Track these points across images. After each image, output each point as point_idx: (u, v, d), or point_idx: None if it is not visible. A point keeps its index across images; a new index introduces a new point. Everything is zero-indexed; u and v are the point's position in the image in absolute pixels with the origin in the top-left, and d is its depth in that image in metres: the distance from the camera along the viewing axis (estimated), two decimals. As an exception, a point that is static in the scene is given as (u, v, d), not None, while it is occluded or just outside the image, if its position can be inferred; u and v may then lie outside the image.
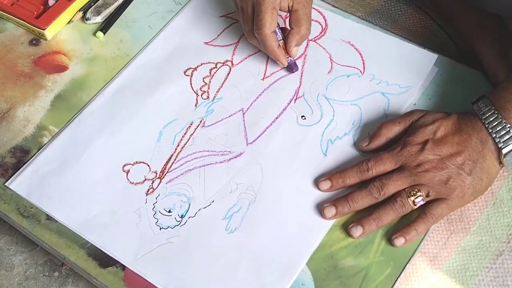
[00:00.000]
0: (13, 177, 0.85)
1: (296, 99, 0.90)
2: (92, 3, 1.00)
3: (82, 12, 1.00)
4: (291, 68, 0.91)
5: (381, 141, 0.82)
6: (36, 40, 0.98)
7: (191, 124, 0.88)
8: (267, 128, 0.87)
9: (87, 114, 0.90)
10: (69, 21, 1.00)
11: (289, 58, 0.90)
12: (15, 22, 1.00)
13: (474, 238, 0.78)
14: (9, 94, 0.93)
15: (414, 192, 0.76)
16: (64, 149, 0.87)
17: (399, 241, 0.76)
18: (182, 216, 0.80)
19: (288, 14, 0.89)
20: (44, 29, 0.96)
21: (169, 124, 0.88)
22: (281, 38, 0.89)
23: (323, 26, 0.97)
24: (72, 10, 0.99)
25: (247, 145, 0.86)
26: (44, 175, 0.84)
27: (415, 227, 0.76)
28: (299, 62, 0.93)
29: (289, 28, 0.89)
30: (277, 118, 0.88)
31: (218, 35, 0.96)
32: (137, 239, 0.79)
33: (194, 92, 0.91)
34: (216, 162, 0.84)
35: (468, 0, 0.89)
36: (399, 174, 0.77)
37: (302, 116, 0.88)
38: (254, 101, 0.90)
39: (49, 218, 0.81)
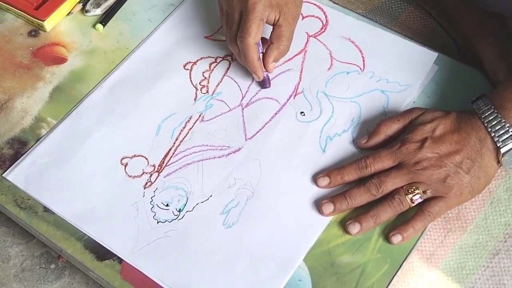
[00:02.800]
0: (10, 168, 0.84)
1: (295, 95, 0.89)
2: (92, -5, 1.00)
3: (81, 4, 1.00)
4: (264, 83, 0.89)
5: (380, 138, 0.83)
6: (35, 31, 0.98)
7: (190, 118, 0.88)
8: (266, 123, 0.87)
9: (86, 107, 0.89)
10: (69, 13, 0.99)
11: (265, 72, 0.88)
12: (14, 13, 0.99)
13: (471, 236, 0.78)
14: (8, 85, 0.92)
15: (412, 189, 0.77)
16: (62, 141, 0.86)
17: (396, 239, 0.76)
18: (179, 210, 0.80)
19: (272, 28, 0.87)
20: (43, 20, 0.96)
21: (168, 118, 0.88)
22: (262, 51, 0.88)
23: (324, 23, 0.96)
24: (71, 2, 0.99)
25: (246, 140, 0.86)
26: (42, 167, 0.84)
27: (413, 224, 0.76)
28: (299, 58, 0.93)
29: (270, 42, 0.87)
30: (276, 114, 0.88)
31: (218, 29, 0.96)
32: (135, 232, 0.79)
33: (194, 86, 0.91)
34: (214, 157, 0.84)
35: (469, -1, 0.89)
36: (397, 172, 0.77)
37: (301, 112, 0.88)
38: (253, 97, 0.90)
39: (46, 210, 0.81)
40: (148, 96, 0.90)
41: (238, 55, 0.87)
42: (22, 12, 0.97)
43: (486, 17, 0.91)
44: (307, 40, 0.95)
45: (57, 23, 0.99)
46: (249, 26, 0.83)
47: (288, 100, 0.89)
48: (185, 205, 0.81)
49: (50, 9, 0.97)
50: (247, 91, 0.90)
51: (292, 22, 0.87)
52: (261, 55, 0.87)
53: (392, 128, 0.82)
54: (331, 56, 0.93)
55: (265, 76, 0.88)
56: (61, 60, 0.95)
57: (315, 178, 0.81)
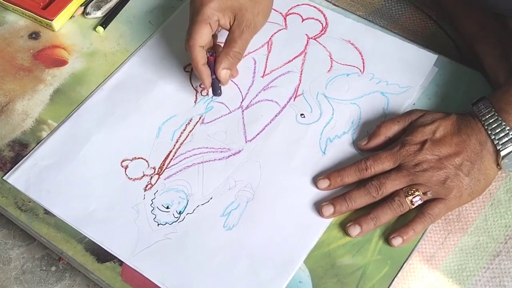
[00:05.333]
0: (11, 170, 0.84)
1: (295, 97, 0.90)
2: (93, -2, 1.00)
3: (82, 6, 1.00)
4: (214, 90, 0.86)
5: (380, 140, 0.83)
6: (36, 34, 0.98)
7: (190, 121, 0.88)
8: (266, 126, 0.87)
9: (86, 109, 0.90)
10: (71, 16, 1.00)
11: (215, 80, 0.85)
12: (21, 13, 0.99)
13: (471, 238, 0.78)
14: (8, 87, 0.93)
15: (412, 191, 0.77)
16: (63, 143, 0.86)
17: (397, 241, 0.76)
18: (180, 213, 0.80)
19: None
20: (52, 20, 0.96)
21: (168, 120, 0.88)
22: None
23: (324, 25, 0.97)
24: (78, 1, 0.99)
25: (246, 142, 0.86)
26: (43, 169, 0.84)
27: (413, 227, 0.76)
28: (299, 60, 0.93)
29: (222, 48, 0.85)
30: (276, 116, 0.88)
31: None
32: (135, 234, 0.79)
33: (194, 88, 0.91)
34: (215, 159, 0.84)
35: (471, 0, 0.89)
36: (397, 173, 0.77)
37: (301, 114, 0.88)
38: (253, 99, 0.90)
39: (47, 212, 0.81)
40: (148, 99, 0.90)
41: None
42: (30, 12, 0.98)
43: (487, 19, 0.91)
44: (307, 42, 0.95)
45: (64, 22, 0.99)
46: (193, 28, 0.82)
47: (288, 102, 0.89)
48: (186, 207, 0.81)
49: (58, 8, 0.97)
50: (247, 93, 0.90)
51: (245, 30, 0.84)
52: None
53: (392, 129, 0.82)
54: (331, 58, 0.93)
55: (215, 84, 0.85)
56: (61, 62, 0.95)
57: (315, 180, 0.81)
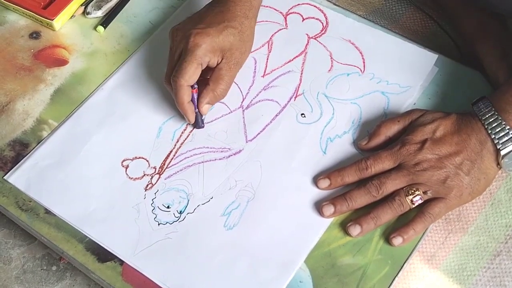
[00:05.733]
0: (12, 170, 0.85)
1: (296, 97, 0.90)
2: (93, -3, 1.00)
3: (83, 6, 1.00)
4: (197, 124, 0.86)
5: (380, 140, 0.83)
6: (36, 33, 0.98)
7: (191, 120, 0.88)
8: (266, 125, 0.87)
9: (87, 109, 0.90)
10: (71, 16, 1.00)
11: (198, 113, 0.85)
12: (21, 13, 0.99)
13: (472, 238, 0.78)
14: (9, 87, 0.93)
15: (412, 191, 0.77)
16: (64, 143, 0.87)
17: (397, 241, 0.76)
18: (180, 212, 0.80)
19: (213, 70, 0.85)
20: (52, 20, 0.96)
21: (168, 120, 0.88)
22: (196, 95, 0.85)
23: (324, 24, 0.97)
24: (79, 1, 0.99)
25: (247, 142, 0.86)
26: (43, 169, 0.84)
27: (413, 226, 0.76)
28: (299, 60, 0.93)
29: (207, 84, 0.84)
30: (276, 115, 0.88)
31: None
32: (136, 234, 0.79)
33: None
34: (215, 159, 0.84)
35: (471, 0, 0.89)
36: (397, 173, 0.77)
37: (302, 114, 0.88)
38: (254, 98, 0.90)
39: (47, 212, 0.81)
40: (149, 98, 0.90)
41: (171, 93, 0.85)
42: (30, 12, 0.98)
43: (487, 19, 0.91)
44: (308, 42, 0.95)
45: (65, 22, 0.99)
46: (184, 67, 0.81)
47: (288, 101, 0.89)
48: (186, 207, 0.81)
49: (58, 8, 0.97)
50: (247, 93, 0.90)
51: (233, 68, 0.85)
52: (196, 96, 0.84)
53: (392, 129, 0.82)
54: (331, 58, 0.93)
55: (198, 117, 0.85)
56: (62, 62, 0.95)
57: (315, 180, 0.81)
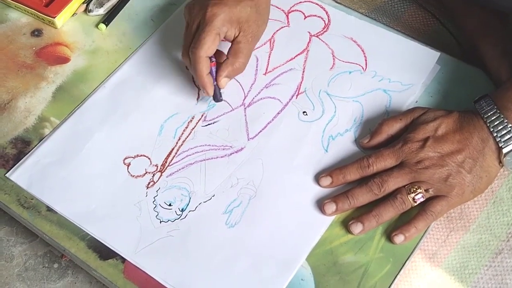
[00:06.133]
0: (13, 168, 0.85)
1: (297, 94, 0.90)
2: (95, -5, 1.00)
3: (85, 4, 1.00)
4: (215, 97, 0.86)
5: (382, 138, 0.83)
6: (38, 31, 0.98)
7: (193, 118, 0.88)
8: (268, 123, 0.87)
9: (89, 106, 0.90)
10: (73, 14, 1.00)
11: (216, 86, 0.85)
12: (23, 11, 0.99)
13: (473, 236, 0.78)
14: (11, 85, 0.93)
15: (414, 189, 0.77)
16: (65, 141, 0.87)
17: (399, 239, 0.76)
18: (182, 210, 0.80)
19: (231, 44, 0.86)
20: (54, 17, 0.96)
21: (170, 117, 0.88)
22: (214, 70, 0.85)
23: (326, 22, 0.96)
24: (80, -1, 1.00)
25: (248, 140, 0.86)
26: (45, 167, 0.84)
27: (415, 224, 0.76)
28: (301, 58, 0.93)
29: (226, 57, 0.85)
30: (278, 113, 0.88)
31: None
32: (137, 232, 0.79)
33: (196, 86, 0.91)
34: (217, 157, 0.84)
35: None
36: (399, 171, 0.77)
37: (304, 112, 0.88)
38: (255, 96, 0.90)
39: (49, 209, 0.81)
40: (150, 96, 0.90)
41: (189, 66, 0.85)
42: (32, 10, 0.98)
43: (489, 16, 0.91)
44: (310, 40, 0.95)
45: (67, 19, 0.99)
46: (203, 38, 0.81)
47: (290, 99, 0.89)
48: (188, 204, 0.81)
49: (60, 5, 0.98)
50: (249, 91, 0.90)
51: (251, 41, 0.85)
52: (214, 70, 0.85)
53: (394, 127, 0.82)
54: (333, 56, 0.93)
55: (216, 90, 0.85)
56: (64, 60, 0.95)
57: (317, 178, 0.81)
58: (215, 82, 0.85)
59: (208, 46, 0.81)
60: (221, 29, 0.82)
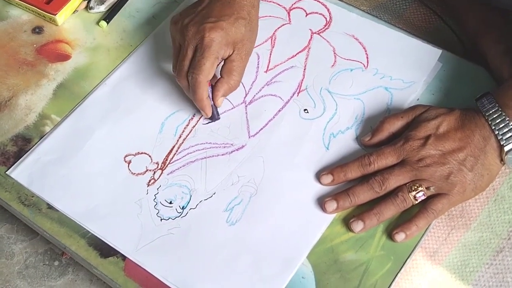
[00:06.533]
0: (14, 165, 0.85)
1: (299, 92, 0.89)
2: (96, -8, 1.00)
3: (86, 1, 1.00)
4: (214, 117, 0.86)
5: (383, 136, 0.82)
6: (39, 28, 0.98)
7: (193, 116, 0.88)
8: (269, 121, 0.87)
9: (89, 104, 0.90)
10: (74, 11, 1.00)
11: (213, 105, 0.85)
12: (24, 8, 0.99)
13: (474, 234, 0.78)
14: (12, 82, 0.93)
15: (416, 187, 0.76)
16: (66, 138, 0.87)
17: (400, 237, 0.76)
18: (183, 208, 0.80)
19: (223, 62, 0.85)
20: (55, 14, 0.96)
21: (171, 115, 0.88)
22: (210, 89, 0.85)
23: (327, 19, 0.96)
24: (82, -5, 1.00)
25: (249, 137, 0.86)
26: (46, 164, 0.84)
27: (416, 222, 0.76)
28: (302, 55, 0.93)
29: (220, 76, 0.85)
30: (279, 111, 0.88)
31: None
32: (138, 229, 0.79)
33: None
34: (218, 154, 0.84)
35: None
36: (400, 169, 0.77)
37: (305, 110, 0.88)
38: (256, 94, 0.90)
39: (50, 207, 0.81)
40: (151, 94, 0.90)
41: (186, 89, 0.85)
42: (33, 7, 0.98)
43: (491, 14, 0.90)
44: (311, 37, 0.95)
45: (68, 17, 0.99)
46: (203, 63, 0.81)
47: (291, 97, 0.89)
48: (189, 202, 0.81)
49: (61, 3, 0.97)
50: (250, 88, 0.90)
51: (244, 58, 0.85)
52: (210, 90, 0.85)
53: (395, 125, 0.82)
54: (334, 53, 0.93)
55: (213, 111, 0.85)
56: (65, 57, 0.95)
57: (318, 176, 0.81)
58: (212, 102, 0.84)
59: (208, 71, 0.81)
60: (219, 52, 0.82)
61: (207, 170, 0.83)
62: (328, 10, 0.97)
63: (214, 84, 0.84)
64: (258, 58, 0.93)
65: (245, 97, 0.89)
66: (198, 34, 0.82)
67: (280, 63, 0.92)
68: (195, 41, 0.82)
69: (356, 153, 0.83)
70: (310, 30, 0.95)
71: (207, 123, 0.87)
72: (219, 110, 0.87)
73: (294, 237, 0.78)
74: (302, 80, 0.90)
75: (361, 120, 0.86)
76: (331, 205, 0.78)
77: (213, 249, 0.77)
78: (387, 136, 0.82)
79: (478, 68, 0.89)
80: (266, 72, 0.91)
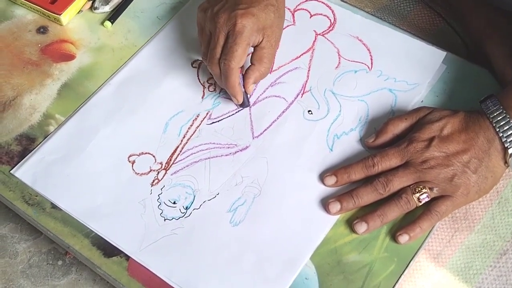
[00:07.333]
0: (18, 165, 0.85)
1: (303, 93, 0.89)
2: (101, -7, 1.00)
3: (90, 1, 1.00)
4: (243, 104, 0.87)
5: (387, 137, 0.82)
6: (44, 28, 0.98)
7: (198, 116, 0.88)
8: (273, 122, 0.87)
9: (94, 104, 0.90)
10: (79, 11, 1.00)
11: (244, 92, 0.86)
12: (29, 7, 1.00)
13: (478, 236, 0.78)
14: (16, 81, 0.93)
15: (419, 188, 0.76)
16: (70, 138, 0.87)
17: (403, 238, 0.76)
18: (186, 208, 0.80)
19: (254, 49, 0.85)
20: (60, 14, 0.97)
21: (175, 115, 0.88)
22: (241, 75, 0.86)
23: (332, 21, 0.96)
24: (87, -5, 1.00)
25: (253, 138, 0.86)
26: (50, 164, 0.84)
27: (420, 224, 0.76)
28: (306, 56, 0.93)
29: (251, 63, 0.85)
30: (283, 112, 0.88)
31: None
32: (142, 229, 0.79)
33: (201, 84, 0.91)
34: (221, 155, 0.84)
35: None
36: (404, 170, 0.77)
37: (309, 111, 0.88)
38: (260, 95, 0.90)
39: (54, 206, 0.81)
40: (155, 94, 0.90)
41: (218, 77, 0.85)
42: (38, 6, 0.98)
43: (495, 16, 0.90)
44: (315, 39, 0.95)
45: (72, 17, 0.99)
46: (236, 50, 0.81)
47: (295, 98, 0.89)
48: (192, 203, 0.81)
49: (66, 3, 0.98)
50: (254, 89, 0.90)
51: (274, 45, 0.85)
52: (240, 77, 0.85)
53: (399, 127, 0.82)
54: (339, 55, 0.93)
55: (244, 97, 0.86)
56: (69, 57, 0.95)
57: (322, 177, 0.81)
58: (243, 89, 0.85)
59: (241, 57, 0.81)
60: (251, 39, 0.82)
61: (211, 171, 0.83)
62: (332, 11, 0.97)
63: (245, 71, 0.85)
64: (263, 59, 0.93)
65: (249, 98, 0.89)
66: (229, 21, 0.82)
67: (284, 64, 0.92)
68: (227, 28, 0.82)
69: (360, 154, 0.83)
70: (315, 31, 0.95)
71: (238, 110, 0.88)
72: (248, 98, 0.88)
73: (298, 238, 0.78)
74: (306, 81, 0.90)
75: (365, 121, 0.86)
76: (335, 206, 0.78)
77: (216, 249, 0.77)
78: (391, 137, 0.82)
79: (482, 70, 0.89)
80: (270, 73, 0.91)
